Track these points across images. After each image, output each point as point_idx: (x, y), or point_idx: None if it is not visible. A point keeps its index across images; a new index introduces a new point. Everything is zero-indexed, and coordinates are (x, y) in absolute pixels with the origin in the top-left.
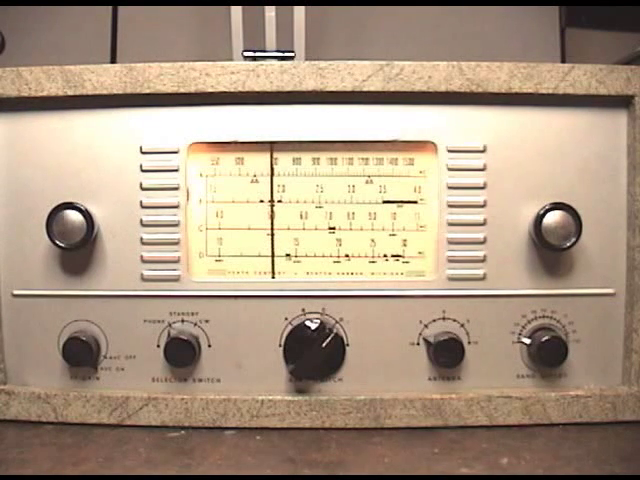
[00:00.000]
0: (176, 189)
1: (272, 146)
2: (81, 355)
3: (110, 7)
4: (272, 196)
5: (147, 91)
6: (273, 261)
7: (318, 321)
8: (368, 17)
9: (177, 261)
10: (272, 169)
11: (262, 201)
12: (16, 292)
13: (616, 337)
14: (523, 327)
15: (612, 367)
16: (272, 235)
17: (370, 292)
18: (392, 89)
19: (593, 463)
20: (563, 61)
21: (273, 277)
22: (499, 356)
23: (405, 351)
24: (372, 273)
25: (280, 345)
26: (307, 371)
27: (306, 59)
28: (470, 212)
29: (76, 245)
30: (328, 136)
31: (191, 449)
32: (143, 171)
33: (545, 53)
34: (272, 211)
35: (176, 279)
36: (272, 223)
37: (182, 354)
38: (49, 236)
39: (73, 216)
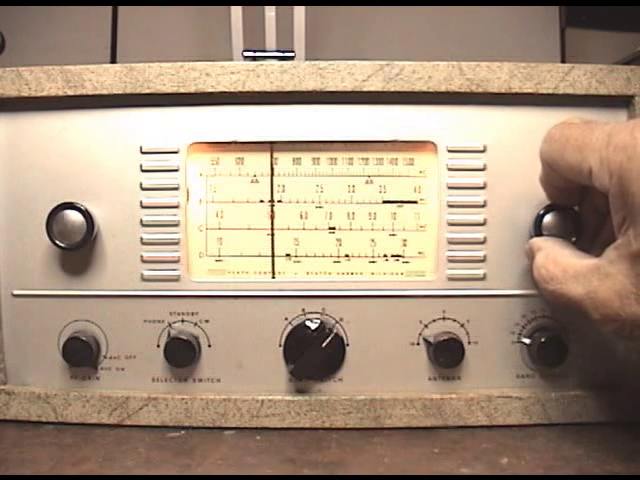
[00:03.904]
0: (176, 189)
1: (272, 146)
2: (81, 355)
3: (110, 7)
4: (272, 196)
5: (147, 91)
6: (273, 261)
7: (318, 321)
8: (368, 17)
9: (177, 261)
10: (272, 169)
11: (262, 201)
12: (16, 292)
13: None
14: (523, 327)
15: (612, 367)
16: (272, 235)
17: (370, 292)
18: (392, 89)
19: (593, 463)
20: (563, 61)
21: (273, 277)
22: (499, 356)
23: (405, 351)
24: (372, 273)
25: (280, 345)
26: (307, 371)
27: (306, 59)
28: (470, 212)
29: (76, 245)
30: (328, 136)
31: (191, 449)
32: (143, 171)
33: (545, 53)
34: (272, 211)
35: (176, 279)
36: (272, 223)
37: (182, 354)
38: (49, 236)
39: (73, 216)
